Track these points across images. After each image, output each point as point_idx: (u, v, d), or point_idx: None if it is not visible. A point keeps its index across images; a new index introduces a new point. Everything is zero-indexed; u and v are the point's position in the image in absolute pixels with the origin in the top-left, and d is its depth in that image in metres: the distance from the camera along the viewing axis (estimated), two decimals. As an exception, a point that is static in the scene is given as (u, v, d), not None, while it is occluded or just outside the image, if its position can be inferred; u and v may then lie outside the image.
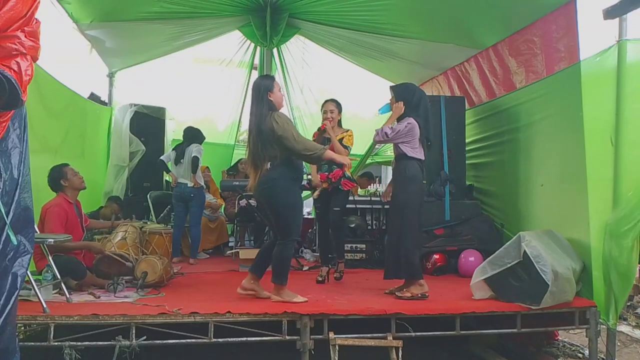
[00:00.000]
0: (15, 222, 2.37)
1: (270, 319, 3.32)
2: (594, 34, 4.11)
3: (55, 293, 3.71)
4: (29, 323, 3.29)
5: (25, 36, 2.22)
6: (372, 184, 7.99)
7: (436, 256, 4.98)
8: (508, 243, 3.79)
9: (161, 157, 6.07)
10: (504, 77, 5.35)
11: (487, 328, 3.90)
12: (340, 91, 7.30)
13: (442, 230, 5.27)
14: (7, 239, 2.31)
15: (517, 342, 4.34)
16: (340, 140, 4.56)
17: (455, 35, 5.68)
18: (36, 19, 2.28)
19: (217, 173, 7.45)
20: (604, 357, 3.88)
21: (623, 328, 4.88)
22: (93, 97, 6.68)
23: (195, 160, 5.69)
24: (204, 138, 6.07)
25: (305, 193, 7.11)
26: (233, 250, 6.25)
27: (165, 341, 3.21)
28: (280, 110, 3.72)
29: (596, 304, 3.74)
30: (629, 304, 5.28)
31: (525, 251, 3.59)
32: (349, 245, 5.47)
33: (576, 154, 3.97)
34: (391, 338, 3.36)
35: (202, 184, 5.92)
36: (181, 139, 6.07)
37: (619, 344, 4.18)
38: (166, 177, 6.83)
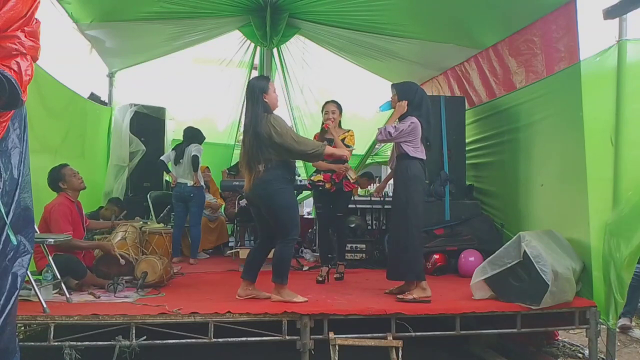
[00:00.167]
0: (15, 222, 2.37)
1: (270, 319, 3.32)
2: (594, 34, 4.11)
3: (55, 293, 3.71)
4: (29, 323, 3.30)
5: (25, 36, 2.22)
6: (372, 184, 7.97)
7: (436, 256, 4.99)
8: (508, 243, 3.79)
9: (161, 157, 6.07)
10: (504, 77, 5.35)
11: (487, 328, 3.90)
12: (340, 91, 7.32)
13: (442, 230, 5.27)
14: (7, 239, 2.31)
15: (517, 342, 4.34)
16: (342, 141, 4.59)
17: (455, 35, 5.68)
18: (36, 19, 2.28)
19: (217, 173, 7.45)
20: (604, 357, 3.87)
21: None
22: (93, 97, 6.68)
23: (195, 159, 5.70)
24: (204, 138, 6.07)
25: (305, 193, 7.13)
26: (233, 250, 6.25)
27: (165, 341, 3.21)
28: (275, 112, 3.73)
29: (596, 304, 3.74)
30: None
31: (525, 251, 3.59)
32: (349, 245, 5.47)
33: (576, 154, 3.97)
34: (391, 338, 3.36)
35: (202, 183, 5.93)
36: (181, 139, 6.07)
37: (619, 344, 4.17)
38: (166, 177, 6.83)
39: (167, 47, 6.78)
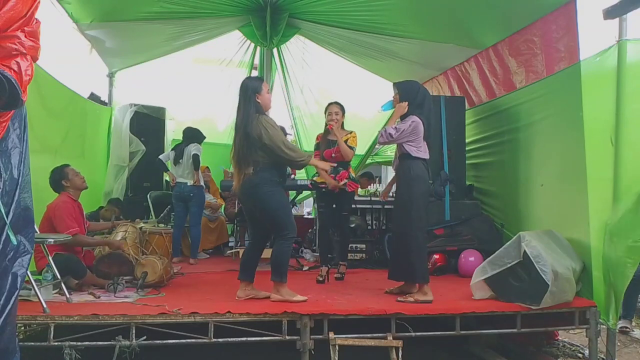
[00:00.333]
0: (15, 222, 2.37)
1: (270, 319, 3.32)
2: (594, 34, 4.11)
3: (55, 293, 3.71)
4: (29, 323, 3.29)
5: (25, 36, 2.22)
6: (372, 184, 7.98)
7: (436, 256, 4.99)
8: (508, 243, 3.79)
9: (159, 157, 6.08)
10: (504, 77, 5.35)
11: (487, 328, 3.90)
12: (340, 91, 7.33)
13: (442, 230, 5.27)
14: (7, 239, 2.31)
15: (517, 342, 4.34)
16: (345, 142, 4.64)
17: (455, 35, 5.68)
18: (36, 19, 2.28)
19: (217, 173, 7.45)
20: (604, 357, 3.87)
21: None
22: (93, 97, 6.68)
23: (196, 158, 5.70)
24: (204, 138, 6.07)
25: (305, 193, 7.13)
26: (233, 250, 6.25)
27: (165, 341, 3.21)
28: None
29: (596, 304, 3.74)
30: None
31: (525, 251, 3.59)
32: (349, 246, 5.47)
33: (576, 154, 3.97)
34: (391, 338, 3.36)
35: (202, 183, 5.93)
36: (181, 139, 6.07)
37: (619, 344, 4.18)
38: (166, 177, 6.83)
39: (167, 47, 6.78)
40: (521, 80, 5.01)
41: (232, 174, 7.28)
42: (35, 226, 3.10)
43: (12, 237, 2.32)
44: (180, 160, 5.81)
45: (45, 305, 3.16)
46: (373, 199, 6.18)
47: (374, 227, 6.14)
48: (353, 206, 5.60)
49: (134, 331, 3.13)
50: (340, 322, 3.38)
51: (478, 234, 5.17)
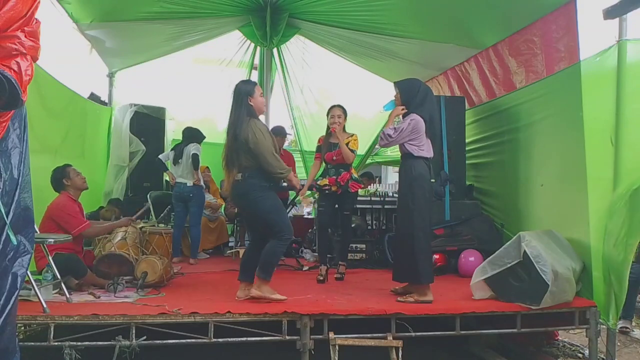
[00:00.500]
0: (15, 222, 2.37)
1: (270, 319, 3.32)
2: (594, 34, 4.11)
3: (55, 293, 3.71)
4: (29, 323, 3.30)
5: (25, 36, 2.22)
6: (372, 184, 7.98)
7: (436, 256, 4.98)
8: (508, 243, 3.79)
9: (159, 156, 6.08)
10: (504, 77, 5.35)
11: (487, 328, 3.90)
12: (340, 91, 7.34)
13: (442, 230, 5.27)
14: (7, 239, 2.31)
15: (517, 342, 4.34)
16: (346, 145, 4.68)
17: (455, 35, 5.68)
18: (36, 19, 2.28)
19: (218, 173, 7.44)
20: (604, 357, 3.87)
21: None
22: (93, 97, 6.68)
23: (195, 157, 5.70)
24: (204, 137, 6.07)
25: (305, 193, 7.12)
26: (233, 250, 6.25)
27: (165, 341, 3.21)
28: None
29: (596, 304, 3.74)
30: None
31: (525, 251, 3.59)
32: (349, 246, 5.47)
33: (576, 154, 3.97)
34: (391, 338, 3.36)
35: (202, 183, 5.93)
36: (181, 139, 6.07)
37: (619, 344, 4.18)
38: (165, 177, 6.84)
39: (167, 47, 6.78)
40: (521, 80, 5.01)
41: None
42: (35, 226, 3.10)
43: (12, 237, 2.32)
44: (180, 160, 5.80)
45: (45, 305, 3.16)
46: (373, 199, 6.18)
47: (374, 227, 6.14)
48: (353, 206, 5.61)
49: (134, 331, 3.13)
50: (340, 322, 3.38)
51: (478, 234, 5.17)
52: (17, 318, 2.55)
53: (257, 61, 7.50)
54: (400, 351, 3.31)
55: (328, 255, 4.94)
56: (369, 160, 8.78)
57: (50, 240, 3.61)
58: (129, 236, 4.58)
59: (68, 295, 3.56)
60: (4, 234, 2.30)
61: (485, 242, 5.01)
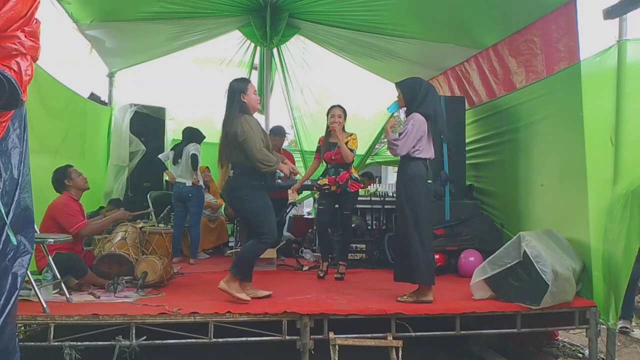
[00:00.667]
0: (15, 222, 2.37)
1: (270, 319, 3.32)
2: (594, 34, 4.11)
3: (55, 293, 3.71)
4: (29, 323, 3.30)
5: (25, 36, 2.22)
6: (372, 184, 7.98)
7: (436, 256, 4.96)
8: (508, 243, 3.79)
9: (159, 156, 6.08)
10: (504, 77, 5.35)
11: (487, 328, 3.90)
12: (340, 91, 7.34)
13: (442, 230, 5.27)
14: (7, 239, 2.31)
15: (517, 342, 4.34)
16: (346, 144, 4.70)
17: (455, 35, 5.68)
18: (36, 19, 2.28)
19: (218, 173, 7.43)
20: (604, 357, 3.87)
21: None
22: (93, 97, 6.68)
23: (194, 157, 5.70)
24: (204, 137, 6.07)
25: (305, 193, 7.14)
26: (233, 250, 6.24)
27: (165, 341, 3.21)
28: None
29: (596, 304, 3.74)
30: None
31: (525, 251, 3.59)
32: (349, 246, 5.46)
33: (576, 154, 3.97)
34: (391, 338, 3.36)
35: (202, 183, 5.93)
36: (181, 139, 6.07)
37: (618, 344, 4.18)
38: (165, 176, 6.84)
39: (167, 47, 6.78)
40: (521, 80, 5.01)
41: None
42: (35, 226, 3.10)
43: (12, 237, 2.32)
44: (179, 160, 5.81)
45: (45, 305, 3.16)
46: (373, 199, 6.18)
47: (374, 227, 6.14)
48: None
49: (134, 331, 3.13)
50: (340, 322, 3.38)
51: (478, 234, 5.17)
52: (17, 318, 2.55)
53: (257, 61, 7.50)
54: (400, 351, 3.31)
55: (329, 255, 4.95)
56: (369, 160, 8.79)
57: (50, 240, 3.61)
58: (129, 236, 4.58)
59: (68, 295, 3.56)
60: (4, 234, 2.30)
61: (485, 242, 5.01)
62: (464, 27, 5.48)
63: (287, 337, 3.30)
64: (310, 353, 3.31)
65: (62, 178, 4.28)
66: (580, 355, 4.35)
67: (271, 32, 6.43)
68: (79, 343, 3.07)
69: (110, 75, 7.36)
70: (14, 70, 2.17)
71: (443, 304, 3.68)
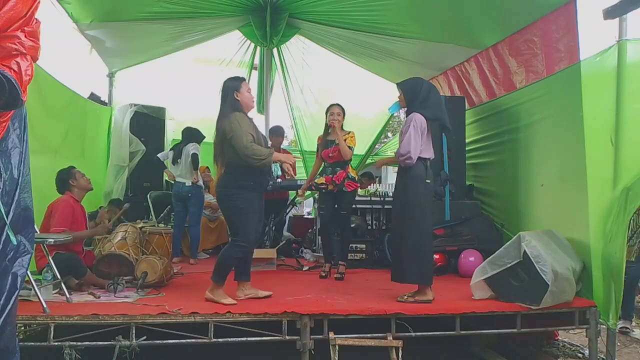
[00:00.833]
0: (15, 222, 2.37)
1: (270, 319, 3.32)
2: (594, 34, 4.11)
3: (55, 293, 3.71)
4: (29, 323, 3.30)
5: (25, 36, 2.22)
6: (372, 184, 7.98)
7: (436, 256, 4.97)
8: (508, 243, 3.79)
9: (158, 155, 6.08)
10: (504, 77, 5.35)
11: (487, 328, 3.90)
12: (340, 91, 7.33)
13: (442, 230, 5.27)
14: (7, 239, 2.31)
15: (517, 342, 4.34)
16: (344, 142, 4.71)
17: (455, 35, 5.68)
18: (36, 19, 2.28)
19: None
20: (604, 357, 3.87)
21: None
22: (93, 97, 6.68)
23: (195, 157, 5.71)
24: (203, 138, 6.07)
25: (305, 193, 7.12)
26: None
27: (165, 341, 3.21)
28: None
29: (596, 304, 3.74)
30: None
31: (525, 251, 3.59)
32: (349, 245, 5.47)
33: (576, 153, 3.97)
34: (391, 338, 3.36)
35: (201, 182, 5.93)
36: (180, 139, 6.07)
37: (618, 344, 4.18)
38: (165, 176, 6.84)
39: (167, 47, 6.78)
40: (521, 80, 5.01)
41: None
42: (36, 226, 3.10)
43: (12, 237, 2.32)
44: (179, 160, 5.81)
45: (45, 305, 3.16)
46: (373, 199, 6.18)
47: (374, 227, 6.14)
48: (353, 206, 5.61)
49: (134, 331, 3.13)
50: (340, 322, 3.38)
51: (478, 234, 5.17)
52: (17, 318, 2.55)
53: (257, 61, 7.50)
54: (400, 351, 3.31)
55: (332, 255, 4.96)
56: (369, 160, 8.79)
57: (50, 240, 3.61)
58: (129, 236, 4.58)
59: (68, 295, 3.56)
60: (4, 234, 2.30)
61: (485, 242, 5.01)
62: (464, 27, 5.47)
63: (287, 337, 3.30)
64: (310, 353, 3.31)
65: (66, 178, 4.29)
66: (580, 355, 4.35)
67: (271, 32, 6.43)
68: (79, 343, 3.07)
69: (110, 75, 7.36)
70: (14, 70, 2.17)
71: (443, 304, 3.68)
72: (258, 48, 7.18)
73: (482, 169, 5.87)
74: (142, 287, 3.93)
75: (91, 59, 6.46)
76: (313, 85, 7.81)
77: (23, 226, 2.48)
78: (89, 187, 4.45)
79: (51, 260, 3.60)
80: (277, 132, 6.14)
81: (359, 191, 6.86)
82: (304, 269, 5.40)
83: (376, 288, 4.22)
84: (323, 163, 4.96)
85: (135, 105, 6.89)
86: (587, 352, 4.04)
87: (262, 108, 7.27)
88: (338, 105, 4.87)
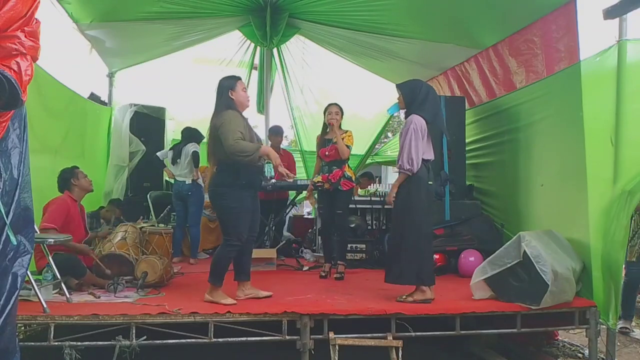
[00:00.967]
0: (15, 222, 2.37)
1: (270, 318, 3.32)
2: (594, 34, 4.11)
3: (55, 293, 3.71)
4: (29, 323, 3.30)
5: (25, 36, 2.22)
6: (372, 184, 7.98)
7: (436, 256, 4.97)
8: (508, 243, 3.79)
9: (157, 153, 6.08)
10: (504, 77, 5.35)
11: (487, 328, 3.90)
12: (340, 91, 7.33)
13: (442, 230, 5.27)
14: (7, 239, 2.31)
15: (517, 342, 4.34)
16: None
17: (455, 35, 5.68)
18: (36, 19, 2.28)
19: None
20: (604, 357, 3.87)
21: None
22: (93, 97, 6.68)
23: (195, 155, 5.71)
24: (203, 137, 6.06)
25: (304, 193, 7.12)
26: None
27: (165, 341, 3.21)
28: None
29: (596, 304, 3.74)
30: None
31: (525, 251, 3.59)
32: (349, 245, 5.47)
33: (576, 153, 3.97)
34: (391, 338, 3.36)
35: (201, 182, 5.93)
36: (180, 139, 6.07)
37: (618, 344, 4.18)
38: (165, 176, 6.84)
39: (167, 47, 6.77)
40: (521, 80, 5.01)
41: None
42: (35, 226, 3.10)
43: (12, 237, 2.32)
44: (178, 160, 5.81)
45: (45, 305, 3.16)
46: (373, 199, 6.18)
47: (374, 227, 6.14)
48: (353, 206, 5.62)
49: (134, 331, 3.13)
50: (340, 322, 3.38)
51: (478, 234, 5.17)
52: (17, 318, 2.55)
53: (257, 61, 7.50)
54: (400, 351, 3.31)
55: (332, 255, 4.96)
56: (369, 160, 8.79)
57: (50, 240, 3.61)
58: (129, 236, 4.58)
59: (68, 295, 3.56)
60: (4, 234, 2.30)
61: (485, 242, 5.01)
62: (464, 27, 5.47)
63: (287, 337, 3.30)
64: (310, 353, 3.31)
65: (68, 177, 4.30)
66: (580, 355, 4.35)
67: (271, 32, 6.42)
68: (79, 343, 3.07)
69: (110, 75, 7.36)
70: (14, 70, 2.17)
71: (443, 304, 3.68)
72: (258, 48, 7.18)
73: (482, 169, 5.87)
74: (142, 287, 3.93)
75: (91, 59, 6.46)
76: (313, 85, 7.81)
77: (23, 226, 2.48)
78: (90, 188, 4.46)
79: (51, 260, 3.60)
80: (276, 132, 6.14)
81: (359, 191, 6.88)
82: (304, 269, 5.39)
83: (376, 288, 4.22)
84: (321, 162, 4.96)
85: (135, 105, 6.89)
86: (587, 352, 4.04)
87: (262, 108, 7.27)
88: (336, 104, 4.89)
